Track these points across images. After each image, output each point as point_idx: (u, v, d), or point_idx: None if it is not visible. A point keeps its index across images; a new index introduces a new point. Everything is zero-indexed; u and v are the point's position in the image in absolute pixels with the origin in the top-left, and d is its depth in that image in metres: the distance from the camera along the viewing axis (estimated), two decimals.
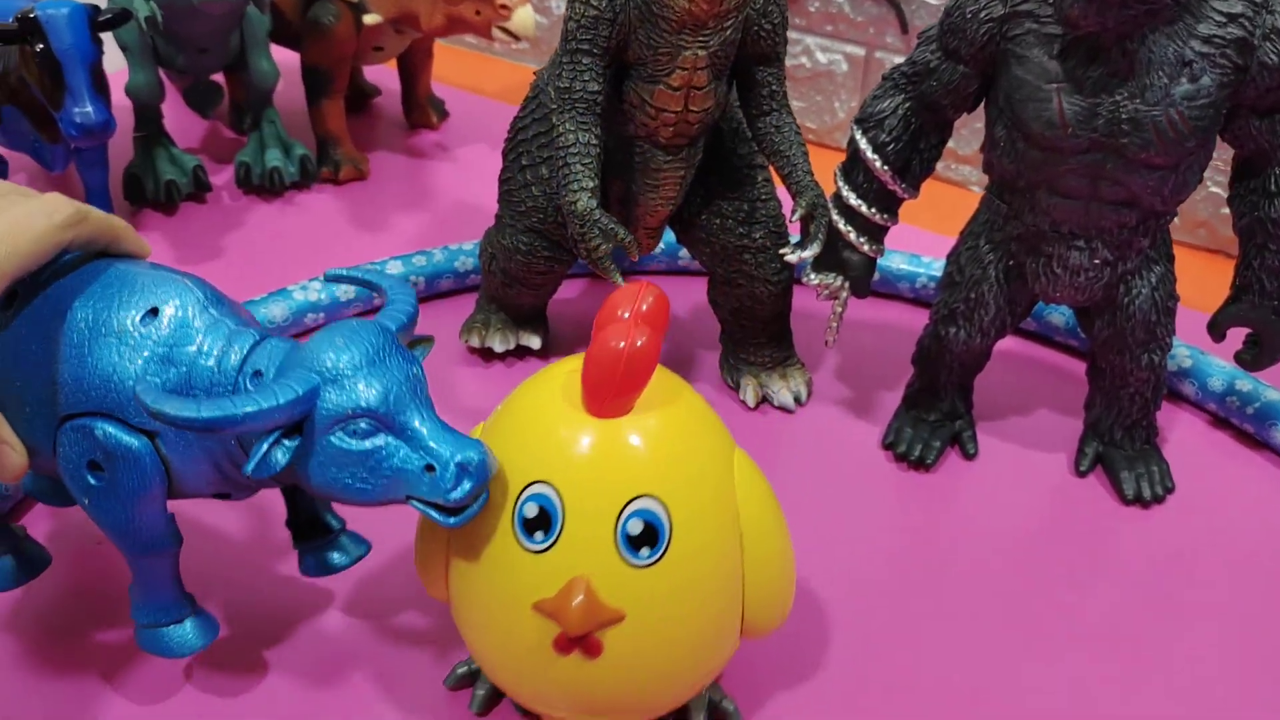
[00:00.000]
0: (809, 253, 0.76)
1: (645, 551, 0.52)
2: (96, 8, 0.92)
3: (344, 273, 0.66)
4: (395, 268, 0.96)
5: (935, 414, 0.84)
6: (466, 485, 0.53)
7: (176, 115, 1.21)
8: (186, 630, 0.62)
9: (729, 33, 0.71)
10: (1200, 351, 0.88)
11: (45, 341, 0.58)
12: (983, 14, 0.70)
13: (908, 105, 0.76)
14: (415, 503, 0.54)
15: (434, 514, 0.54)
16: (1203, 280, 0.92)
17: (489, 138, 1.24)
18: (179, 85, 1.21)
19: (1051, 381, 0.92)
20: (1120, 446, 0.82)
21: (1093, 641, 0.70)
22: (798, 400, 0.88)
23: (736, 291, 0.85)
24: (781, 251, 0.78)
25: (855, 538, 0.77)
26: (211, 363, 0.57)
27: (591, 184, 0.72)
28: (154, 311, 0.57)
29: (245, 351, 0.57)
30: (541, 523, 0.53)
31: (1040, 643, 0.70)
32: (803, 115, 1.26)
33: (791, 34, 1.22)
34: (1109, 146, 0.68)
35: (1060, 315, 0.94)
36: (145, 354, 0.56)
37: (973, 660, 0.68)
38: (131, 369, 0.56)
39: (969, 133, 1.19)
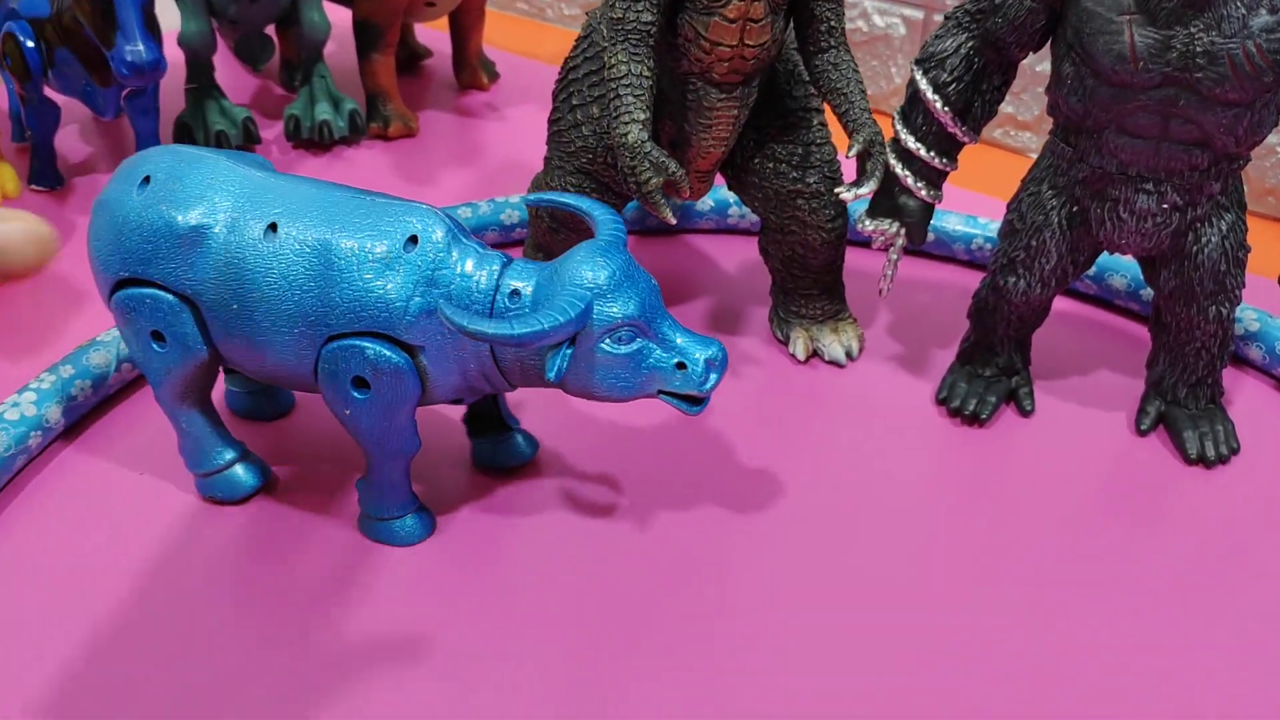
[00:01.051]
0: (865, 190, 0.74)
1: None
2: None
3: (544, 196, 0.70)
4: None
5: (991, 369, 0.82)
6: (714, 377, 0.62)
7: (228, 71, 1.21)
8: (411, 524, 0.69)
9: None
10: (1269, 315, 0.85)
11: (313, 267, 0.62)
12: None
13: (971, 44, 0.74)
14: (665, 396, 0.63)
15: (683, 405, 0.63)
16: (1271, 249, 0.89)
17: (539, 99, 1.23)
18: (230, 41, 1.21)
19: (1112, 343, 0.89)
20: (1184, 405, 0.79)
21: (1151, 603, 0.67)
22: (849, 355, 0.86)
23: (789, 239, 0.83)
24: (837, 190, 0.75)
25: (906, 494, 0.75)
26: (469, 283, 0.62)
27: (643, 116, 0.71)
28: (414, 239, 0.62)
29: (498, 272, 0.62)
30: None
31: (1096, 603, 0.67)
32: None
33: None
34: (1182, 82, 0.65)
35: (1122, 278, 0.91)
36: (413, 278, 0.61)
37: (1026, 620, 0.66)
38: (401, 292, 0.61)
39: (1029, 98, 1.17)
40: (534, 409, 0.79)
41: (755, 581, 0.67)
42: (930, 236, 0.96)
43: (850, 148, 0.74)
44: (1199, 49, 0.64)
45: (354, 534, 0.69)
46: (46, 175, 1.05)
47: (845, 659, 0.62)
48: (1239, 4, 0.63)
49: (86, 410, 0.78)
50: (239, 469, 0.71)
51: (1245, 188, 0.74)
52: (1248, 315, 0.86)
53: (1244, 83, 0.64)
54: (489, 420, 0.74)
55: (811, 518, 0.71)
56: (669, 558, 0.68)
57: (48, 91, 1.02)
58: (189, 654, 0.61)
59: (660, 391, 0.63)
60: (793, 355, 0.86)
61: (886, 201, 0.78)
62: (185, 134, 1.10)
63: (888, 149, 0.77)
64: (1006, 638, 0.64)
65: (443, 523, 0.70)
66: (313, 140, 1.14)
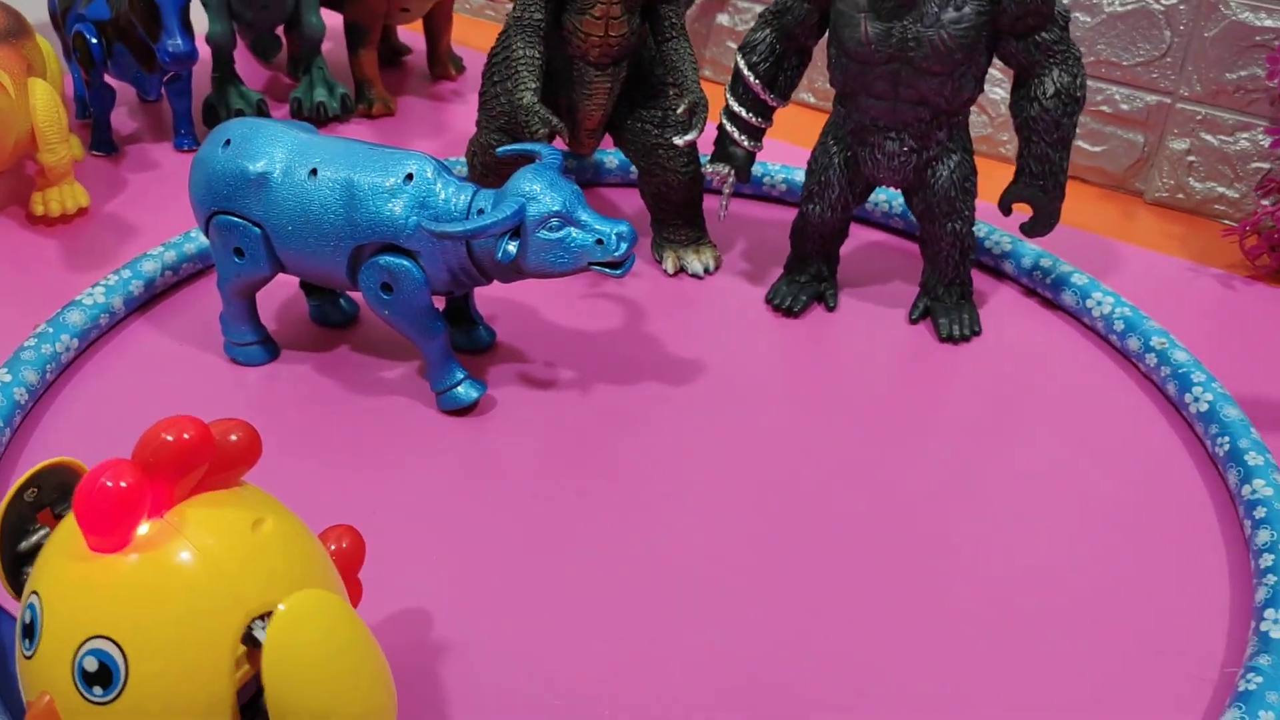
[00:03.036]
0: (691, 136, 1.03)
1: (98, 690, 0.53)
2: None
3: (512, 148, 0.95)
4: None
5: (805, 276, 1.10)
6: (624, 245, 0.84)
7: (245, 63, 1.51)
8: (466, 389, 0.93)
9: None
10: (1016, 239, 1.14)
11: (339, 198, 0.88)
12: None
13: (773, 35, 1.03)
14: (594, 266, 0.85)
15: (608, 270, 0.85)
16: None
17: None
18: (247, 39, 1.50)
19: (899, 258, 1.17)
20: (941, 300, 1.07)
21: (921, 433, 0.94)
22: (706, 270, 1.15)
23: (654, 180, 1.11)
24: (674, 139, 1.04)
25: (744, 366, 1.02)
26: (450, 205, 0.86)
27: (534, 85, 1.00)
28: (410, 176, 0.87)
29: (470, 196, 0.87)
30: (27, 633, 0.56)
31: (883, 436, 0.93)
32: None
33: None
34: (901, 58, 0.94)
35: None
36: (411, 203, 0.87)
37: (828, 454, 0.92)
38: (402, 212, 0.87)
39: None
40: (499, 314, 1.07)
41: (649, 421, 0.94)
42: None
43: (679, 107, 1.02)
44: (910, 36, 0.93)
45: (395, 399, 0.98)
46: (104, 143, 1.34)
47: (718, 468, 0.90)
48: (934, 4, 0.92)
49: (140, 303, 1.07)
50: (257, 347, 1.00)
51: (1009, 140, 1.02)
52: (1003, 239, 1.14)
53: (941, 59, 0.93)
54: (461, 315, 1.00)
55: (683, 377, 0.99)
56: (588, 412, 0.96)
57: (107, 78, 1.32)
58: None
59: (590, 264, 0.85)
60: (664, 270, 1.15)
61: (721, 151, 1.07)
62: (211, 112, 1.40)
63: (722, 113, 1.06)
64: (826, 456, 0.91)
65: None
66: (312, 118, 1.43)
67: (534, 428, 0.93)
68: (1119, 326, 1.03)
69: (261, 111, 1.41)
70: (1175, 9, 1.22)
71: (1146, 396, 0.99)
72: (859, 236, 1.21)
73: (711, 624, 0.76)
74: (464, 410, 0.94)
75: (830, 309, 1.10)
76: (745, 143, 1.06)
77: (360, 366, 1.00)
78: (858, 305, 1.11)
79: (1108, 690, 0.72)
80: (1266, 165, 1.22)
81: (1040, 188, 1.00)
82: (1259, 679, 0.69)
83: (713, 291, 1.13)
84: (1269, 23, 1.18)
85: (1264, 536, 0.80)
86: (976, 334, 1.06)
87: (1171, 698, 0.72)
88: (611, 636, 0.75)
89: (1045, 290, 1.11)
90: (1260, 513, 0.82)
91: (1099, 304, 1.05)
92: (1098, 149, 1.33)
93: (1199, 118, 1.25)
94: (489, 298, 1.07)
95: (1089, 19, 1.28)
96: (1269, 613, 0.74)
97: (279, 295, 1.07)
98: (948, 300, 1.07)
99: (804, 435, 0.93)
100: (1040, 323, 1.09)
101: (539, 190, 0.85)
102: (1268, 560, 0.78)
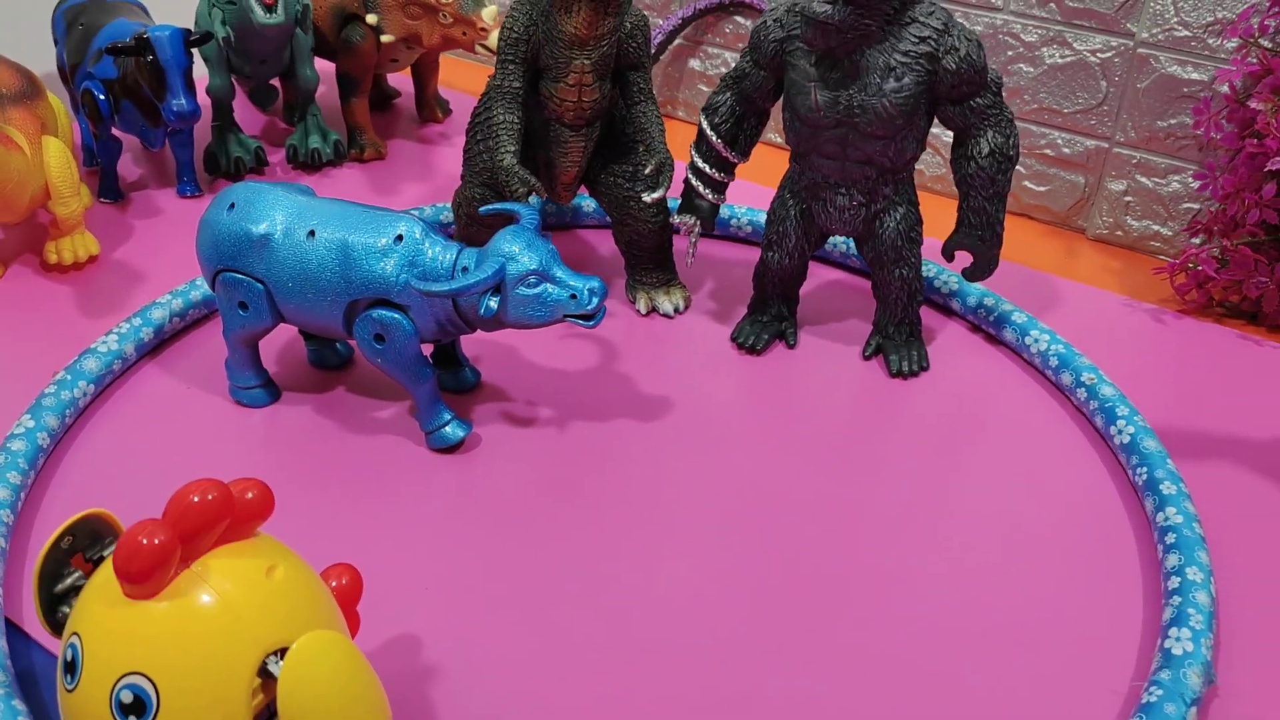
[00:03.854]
0: (658, 194, 1.12)
1: (133, 719, 0.60)
2: (189, 30, 1.30)
3: (493, 207, 1.02)
4: None
5: (767, 316, 1.19)
6: (595, 300, 0.92)
7: (244, 111, 1.59)
8: (453, 428, 1.01)
9: (605, 48, 1.07)
10: (960, 278, 1.22)
11: (335, 258, 0.95)
12: (770, 37, 1.05)
13: (733, 98, 1.11)
14: (569, 318, 0.92)
15: (581, 322, 0.93)
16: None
17: None
18: (246, 88, 1.58)
19: (859, 298, 1.26)
20: (891, 338, 1.16)
21: (877, 454, 1.03)
22: (677, 310, 1.24)
23: (627, 229, 1.20)
24: (642, 193, 1.13)
25: (709, 398, 1.11)
26: (437, 263, 0.94)
27: (513, 148, 1.08)
28: (400, 237, 0.95)
29: (455, 255, 0.95)
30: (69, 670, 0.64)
31: (837, 474, 1.03)
32: None
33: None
34: (848, 123, 1.03)
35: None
36: (400, 262, 0.94)
37: (786, 484, 1.02)
38: (393, 270, 0.95)
39: None
40: (484, 355, 1.16)
41: (624, 453, 1.03)
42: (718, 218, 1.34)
43: (646, 166, 1.11)
44: (856, 103, 1.02)
45: (386, 436, 1.07)
46: (111, 191, 1.43)
47: (687, 496, 0.99)
48: (876, 75, 1.00)
49: (150, 348, 1.15)
50: (260, 390, 1.08)
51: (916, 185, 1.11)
52: (951, 279, 1.23)
53: (883, 125, 1.02)
54: (449, 358, 1.09)
55: (655, 413, 1.08)
56: (568, 447, 1.05)
57: (114, 130, 1.40)
58: None
59: (565, 316, 0.93)
60: (638, 310, 1.24)
61: (687, 203, 1.16)
62: (212, 160, 1.48)
63: (688, 168, 1.14)
64: (783, 485, 1.00)
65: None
66: (307, 163, 1.52)
67: (517, 463, 1.02)
68: (1054, 362, 1.12)
69: (260, 158, 1.49)
70: (1110, 62, 1.32)
71: (1078, 428, 1.08)
72: (819, 276, 1.30)
73: (689, 645, 0.84)
74: (452, 448, 1.03)
75: (790, 346, 1.19)
76: (710, 196, 1.15)
77: (356, 407, 1.08)
78: (816, 343, 1.20)
79: (1030, 703, 0.81)
80: (1196, 206, 1.31)
81: (979, 237, 1.09)
82: (1159, 691, 0.78)
83: (682, 331, 1.22)
84: (1195, 75, 1.27)
85: (1173, 560, 0.89)
86: (925, 369, 1.15)
87: (1085, 710, 0.81)
88: (590, 659, 0.83)
89: (989, 327, 1.20)
90: (1170, 538, 0.91)
91: (1036, 341, 1.14)
92: (1043, 189, 1.42)
93: (1134, 161, 1.34)
94: (474, 340, 1.16)
95: (1032, 70, 1.37)
96: (1173, 631, 0.82)
97: (279, 340, 1.16)
98: (898, 338, 1.16)
99: (765, 466, 1.02)
100: (984, 358, 1.18)
101: (518, 250, 0.93)
102: (1174, 583, 0.87)
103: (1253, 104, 1.16)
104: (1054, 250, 1.39)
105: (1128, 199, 1.36)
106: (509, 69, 1.08)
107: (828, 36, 0.98)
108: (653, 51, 1.61)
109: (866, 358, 1.17)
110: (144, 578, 0.61)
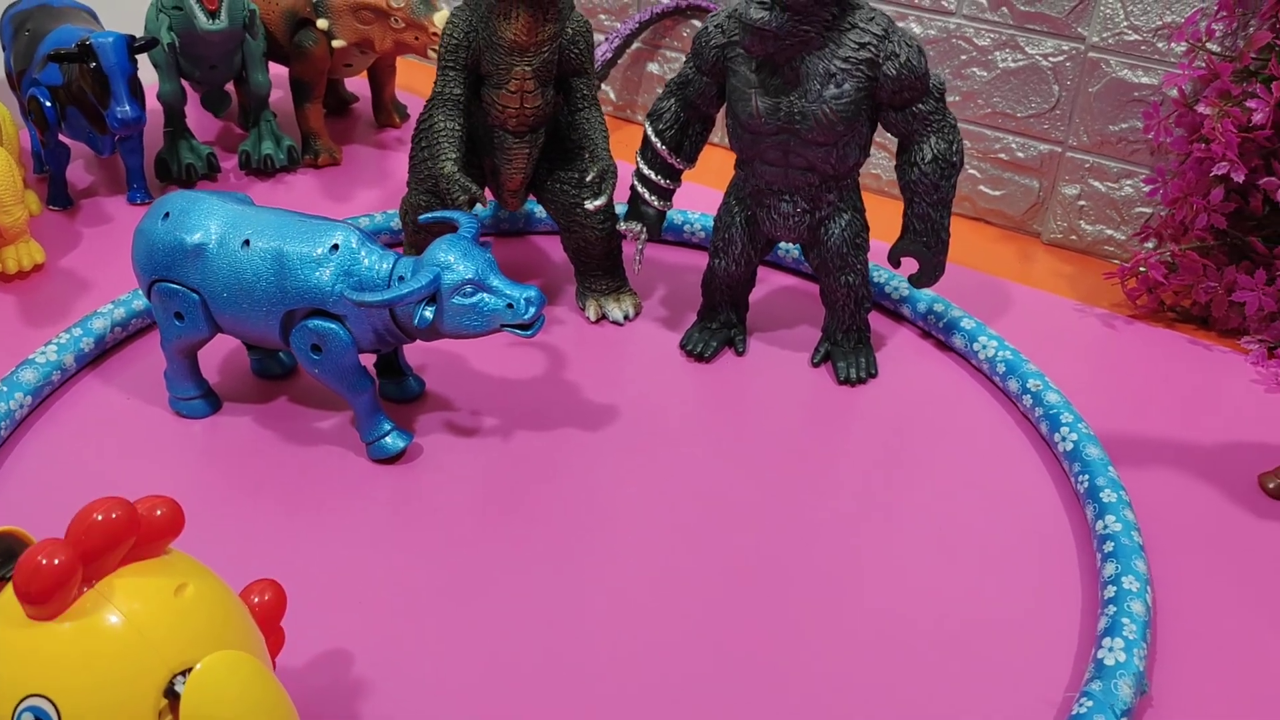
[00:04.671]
0: (600, 202, 1.11)
1: None
2: (133, 36, 1.29)
3: (432, 215, 1.01)
4: None
5: (716, 323, 1.18)
6: (532, 309, 0.91)
7: (196, 115, 1.58)
8: (393, 439, 1.00)
9: (546, 54, 1.06)
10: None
11: (270, 267, 0.94)
12: (711, 42, 1.04)
13: (677, 105, 1.11)
14: (506, 328, 0.92)
15: (519, 332, 0.92)
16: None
17: None
18: (198, 93, 1.57)
19: (808, 304, 1.26)
20: (840, 345, 1.15)
21: (821, 482, 1.03)
22: (626, 317, 1.23)
23: (574, 236, 1.19)
24: (586, 203, 1.12)
25: (657, 405, 1.10)
26: (373, 273, 0.93)
27: (454, 155, 1.07)
28: (335, 246, 0.94)
29: (391, 264, 0.93)
30: None
31: (785, 481, 1.02)
32: None
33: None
34: (789, 130, 1.02)
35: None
36: (336, 271, 0.93)
37: (736, 491, 1.01)
38: (329, 279, 0.94)
39: None
40: (429, 364, 1.15)
41: (570, 462, 1.03)
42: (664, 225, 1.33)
43: (589, 173, 1.10)
44: (796, 110, 1.01)
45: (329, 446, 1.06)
46: (60, 198, 1.41)
47: (634, 505, 0.99)
48: (816, 82, 1.00)
49: (90, 359, 1.14)
50: (199, 401, 1.07)
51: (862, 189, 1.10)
52: (901, 284, 1.23)
53: (824, 131, 1.01)
54: (392, 367, 1.07)
55: (603, 421, 1.07)
56: (513, 457, 1.04)
57: (61, 137, 1.38)
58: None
59: (502, 325, 0.92)
60: (587, 317, 1.23)
61: (634, 210, 1.15)
62: (164, 166, 1.47)
63: (634, 175, 1.14)
64: (733, 493, 1.00)
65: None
66: (260, 169, 1.51)
67: (460, 473, 1.01)
68: (1001, 369, 1.11)
69: (212, 165, 1.48)
70: (1062, 66, 1.31)
71: (1024, 435, 1.07)
72: (770, 282, 1.29)
73: (634, 657, 0.84)
74: (392, 459, 1.02)
75: (740, 354, 1.18)
76: (655, 202, 1.14)
77: (297, 418, 1.07)
78: (765, 349, 1.19)
79: (965, 712, 0.80)
80: (1148, 210, 1.31)
81: (924, 244, 1.08)
82: (1089, 703, 0.77)
83: (632, 337, 1.21)
84: (1145, 79, 1.26)
85: (1110, 569, 0.88)
86: (873, 376, 1.14)
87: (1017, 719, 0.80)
88: (530, 675, 0.83)
89: (939, 333, 1.19)
90: (1109, 547, 0.90)
91: (984, 347, 1.14)
92: (998, 193, 1.41)
93: (1087, 165, 1.34)
94: (420, 348, 1.15)
95: (985, 74, 1.36)
96: (1106, 640, 0.82)
97: (222, 350, 1.14)
98: (846, 345, 1.15)
99: (712, 473, 1.02)
100: (934, 364, 1.18)
101: (453, 260, 0.92)
102: (1110, 591, 0.86)
103: (1201, 108, 1.15)
104: (1009, 255, 1.39)
105: (1081, 203, 1.36)
106: (449, 75, 1.07)
107: (765, 43, 0.97)
108: (610, 56, 1.60)
109: (815, 364, 1.16)
110: (44, 598, 0.60)
